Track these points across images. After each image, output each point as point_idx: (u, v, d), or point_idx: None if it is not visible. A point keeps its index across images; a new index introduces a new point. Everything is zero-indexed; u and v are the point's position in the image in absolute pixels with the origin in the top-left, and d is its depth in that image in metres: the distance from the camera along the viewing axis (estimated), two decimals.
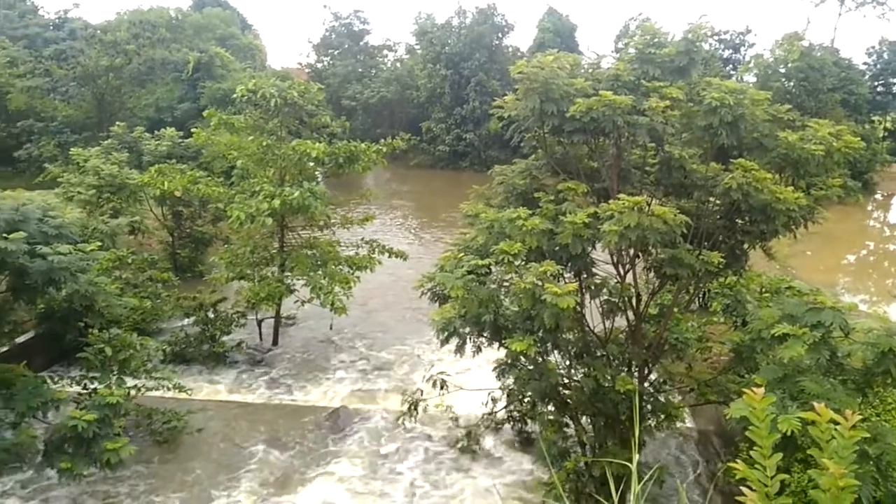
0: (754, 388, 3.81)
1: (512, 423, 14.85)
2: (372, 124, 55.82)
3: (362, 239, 19.99)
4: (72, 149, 26.32)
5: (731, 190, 10.05)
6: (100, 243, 13.70)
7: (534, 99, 10.48)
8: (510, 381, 13.18)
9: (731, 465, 3.88)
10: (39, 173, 28.40)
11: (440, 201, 40.22)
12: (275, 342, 20.00)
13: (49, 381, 13.15)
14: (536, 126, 11.18)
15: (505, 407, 14.63)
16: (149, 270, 20.23)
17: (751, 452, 3.63)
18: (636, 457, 3.74)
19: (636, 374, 11.98)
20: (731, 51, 59.23)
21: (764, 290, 14.99)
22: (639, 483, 3.75)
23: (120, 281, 17.72)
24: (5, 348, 14.87)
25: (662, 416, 11.99)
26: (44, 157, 34.64)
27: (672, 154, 11.19)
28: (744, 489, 3.55)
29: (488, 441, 14.83)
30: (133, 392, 13.68)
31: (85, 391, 13.19)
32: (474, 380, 16.33)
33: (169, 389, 14.56)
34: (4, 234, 11.35)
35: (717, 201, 11.11)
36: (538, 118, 10.77)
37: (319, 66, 60.91)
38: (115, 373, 13.19)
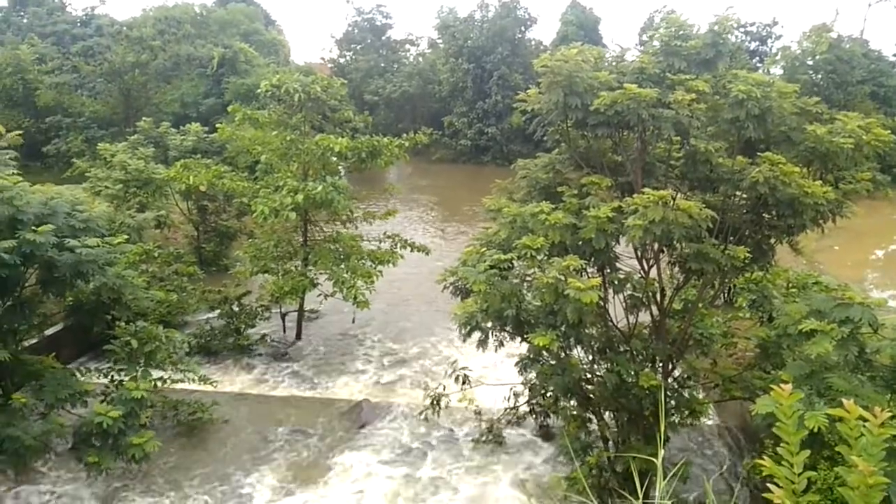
0: (781, 385, 3.76)
1: (535, 417, 14.83)
2: (394, 119, 55.76)
3: (384, 233, 20.03)
4: (99, 144, 26.67)
5: (758, 184, 9.94)
6: (127, 237, 13.88)
7: (557, 92, 10.44)
8: (532, 375, 13.16)
9: (758, 461, 3.84)
10: (67, 168, 28.84)
11: (462, 196, 40.17)
12: (298, 335, 20.14)
13: (77, 373, 13.39)
14: (560, 120, 11.13)
15: (527, 401, 14.61)
16: (175, 264, 20.48)
17: (777, 449, 3.59)
18: (661, 452, 3.71)
19: (660, 369, 11.90)
20: (757, 43, 58.25)
21: (791, 285, 14.80)
22: (663, 479, 3.72)
23: (146, 274, 17.94)
24: (34, 340, 15.11)
25: (686, 412, 11.91)
26: (71, 152, 35.12)
27: (698, 147, 11.08)
28: (770, 486, 3.52)
29: (510, 435, 14.82)
30: (159, 384, 13.88)
31: (112, 383, 13.40)
32: (496, 374, 16.34)
33: (194, 381, 14.73)
34: (34, 228, 11.54)
35: (744, 195, 10.99)
36: (562, 112, 10.73)
37: (342, 61, 60.98)
38: (141, 365, 13.39)
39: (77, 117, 38.90)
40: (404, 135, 19.78)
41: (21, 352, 13.24)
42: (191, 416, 14.86)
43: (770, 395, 3.81)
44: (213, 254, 25.42)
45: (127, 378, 13.03)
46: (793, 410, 3.58)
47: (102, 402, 12.50)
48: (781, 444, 3.54)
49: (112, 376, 13.47)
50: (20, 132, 16.45)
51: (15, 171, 13.12)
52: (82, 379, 13.13)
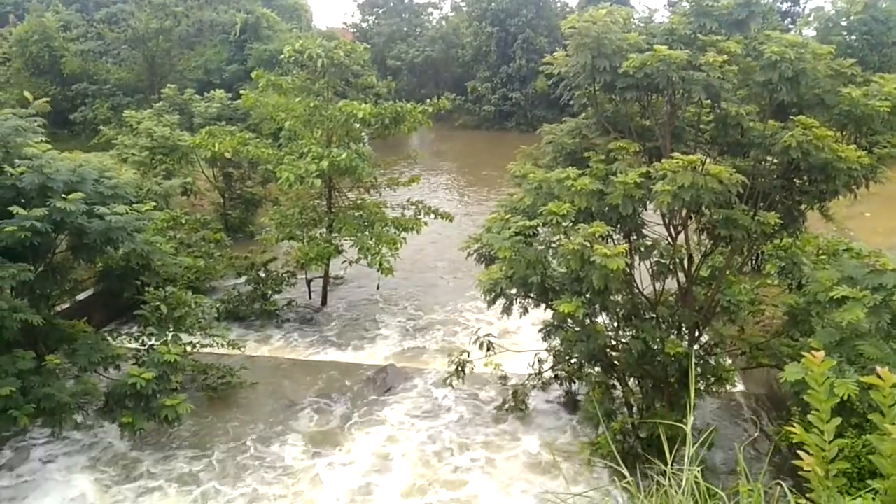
0: (813, 352, 3.72)
1: (559, 383, 14.87)
2: (417, 84, 55.28)
3: (408, 200, 20.00)
4: (125, 111, 26.82)
5: (791, 148, 9.74)
6: (154, 204, 14.02)
7: (585, 55, 10.26)
8: (557, 342, 13.18)
9: (788, 428, 3.80)
10: (94, 135, 29.09)
11: (485, 162, 39.90)
12: (324, 301, 20.31)
13: (109, 337, 13.66)
14: (587, 83, 10.95)
15: (551, 368, 14.64)
16: (202, 231, 20.66)
17: (808, 416, 3.56)
18: (691, 419, 3.70)
19: (686, 336, 11.85)
20: (789, 3, 56.53)
21: (820, 252, 14.58)
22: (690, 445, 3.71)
23: (174, 241, 18.12)
24: (66, 305, 15.43)
25: (712, 379, 11.87)
26: (98, 119, 35.38)
27: (728, 111, 10.85)
28: (800, 453, 3.49)
29: (535, 401, 14.89)
30: (188, 348, 14.12)
31: (143, 347, 13.66)
32: (520, 341, 16.39)
33: (223, 346, 14.98)
34: (63, 195, 11.71)
35: (775, 160, 10.80)
36: (589, 75, 10.55)
37: (364, 25, 60.41)
38: (171, 329, 13.61)
39: (102, 85, 39.06)
40: (427, 100, 19.62)
41: (53, 316, 13.53)
42: (220, 380, 15.11)
43: (801, 363, 3.77)
44: (239, 220, 25.61)
45: (158, 343, 13.27)
46: (824, 378, 3.54)
47: (135, 364, 12.76)
48: (812, 412, 3.50)
49: (143, 340, 13.73)
50: (47, 99, 16.55)
51: (43, 139, 13.26)
52: (114, 343, 13.41)
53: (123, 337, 14.05)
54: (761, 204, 10.80)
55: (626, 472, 3.62)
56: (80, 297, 16.18)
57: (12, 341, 11.58)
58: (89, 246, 12.45)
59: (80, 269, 14.42)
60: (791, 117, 10.29)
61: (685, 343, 11.57)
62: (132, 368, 12.44)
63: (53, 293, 13.58)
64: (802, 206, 11.31)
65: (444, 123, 47.67)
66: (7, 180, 11.92)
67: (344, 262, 19.40)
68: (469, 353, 14.57)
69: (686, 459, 3.60)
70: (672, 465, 3.56)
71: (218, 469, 12.74)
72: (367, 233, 18.31)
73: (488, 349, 14.22)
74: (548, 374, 14.82)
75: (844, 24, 44.95)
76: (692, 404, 4.44)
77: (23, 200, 11.78)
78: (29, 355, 11.52)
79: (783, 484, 3.37)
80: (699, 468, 3.57)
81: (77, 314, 14.68)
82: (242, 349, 15.82)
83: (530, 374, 14.88)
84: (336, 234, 18.67)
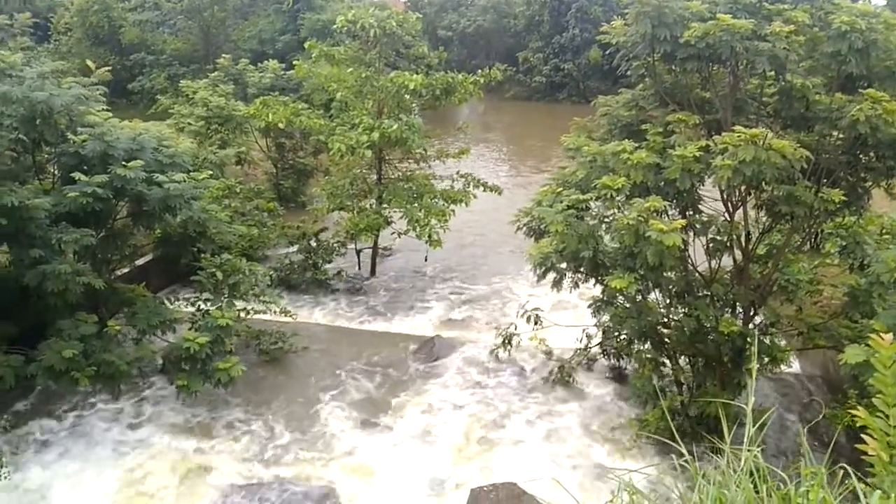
0: (882, 334, 3.60)
1: (607, 359, 14.76)
2: (468, 55, 54.81)
3: (457, 172, 19.93)
4: (181, 81, 27.28)
5: (858, 123, 9.37)
6: (210, 173, 14.29)
7: (645, 23, 10.00)
8: (606, 318, 13.05)
9: (853, 412, 3.71)
10: (152, 105, 29.70)
11: (536, 134, 39.47)
12: (373, 272, 20.49)
13: (167, 301, 14.07)
14: (646, 53, 10.69)
15: (599, 343, 14.54)
16: (255, 200, 20.99)
17: (872, 400, 3.46)
18: (752, 398, 3.62)
19: (741, 315, 11.61)
20: None
21: (884, 231, 14.06)
22: (741, 425, 3.64)
23: (229, 209, 18.44)
24: (126, 270, 15.91)
25: (767, 360, 11.62)
26: (155, 89, 36.07)
27: (794, 83, 10.46)
28: (865, 437, 3.40)
29: (581, 376, 14.83)
30: (242, 314, 14.44)
31: (199, 312, 14.03)
32: (567, 315, 16.29)
33: (275, 313, 15.28)
34: (124, 163, 12.03)
35: (841, 135, 10.41)
36: (648, 44, 10.30)
37: None
38: (226, 295, 13.94)
39: (159, 55, 39.77)
40: (478, 71, 19.43)
41: (114, 280, 14.00)
42: (272, 346, 15.45)
43: (863, 345, 3.65)
44: (291, 190, 25.91)
45: (213, 308, 13.63)
46: (892, 361, 3.43)
47: (190, 329, 13.12)
48: (877, 395, 3.41)
49: (199, 305, 14.10)
50: (108, 68, 16.94)
51: (104, 108, 13.61)
52: (171, 307, 13.81)
53: (180, 302, 14.45)
54: (825, 180, 10.45)
55: (683, 448, 3.58)
56: (140, 262, 16.64)
57: (75, 304, 12.04)
58: (148, 213, 12.81)
59: (140, 236, 14.84)
60: (860, 90, 9.90)
61: (739, 322, 11.34)
62: (187, 333, 12.80)
63: (114, 258, 14.04)
64: (868, 184, 10.92)
65: (495, 95, 47.19)
66: (70, 148, 12.31)
67: (393, 233, 19.50)
68: (516, 326, 14.56)
69: (746, 439, 3.53)
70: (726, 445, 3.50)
71: (266, 430, 13.08)
72: (416, 204, 18.34)
73: (535, 322, 14.18)
74: (595, 350, 14.72)
75: None
76: (741, 384, 4.34)
77: (85, 167, 12.16)
78: (91, 320, 11.97)
79: (847, 467, 3.28)
80: (759, 449, 3.50)
81: (136, 279, 15.14)
82: (294, 316, 16.11)
83: (578, 349, 14.81)
84: (385, 206, 18.76)
